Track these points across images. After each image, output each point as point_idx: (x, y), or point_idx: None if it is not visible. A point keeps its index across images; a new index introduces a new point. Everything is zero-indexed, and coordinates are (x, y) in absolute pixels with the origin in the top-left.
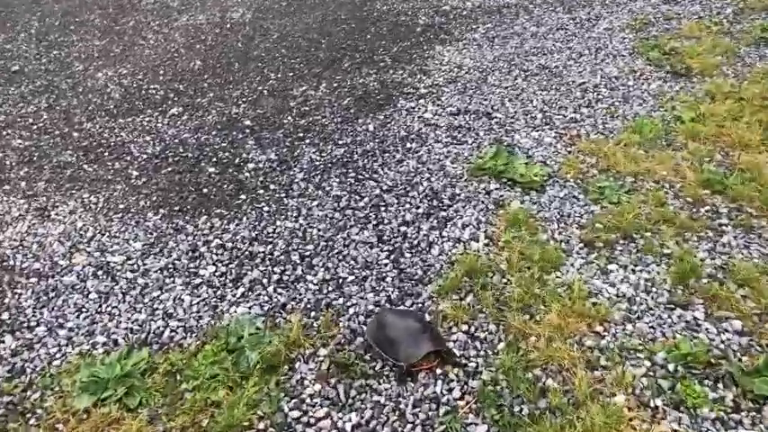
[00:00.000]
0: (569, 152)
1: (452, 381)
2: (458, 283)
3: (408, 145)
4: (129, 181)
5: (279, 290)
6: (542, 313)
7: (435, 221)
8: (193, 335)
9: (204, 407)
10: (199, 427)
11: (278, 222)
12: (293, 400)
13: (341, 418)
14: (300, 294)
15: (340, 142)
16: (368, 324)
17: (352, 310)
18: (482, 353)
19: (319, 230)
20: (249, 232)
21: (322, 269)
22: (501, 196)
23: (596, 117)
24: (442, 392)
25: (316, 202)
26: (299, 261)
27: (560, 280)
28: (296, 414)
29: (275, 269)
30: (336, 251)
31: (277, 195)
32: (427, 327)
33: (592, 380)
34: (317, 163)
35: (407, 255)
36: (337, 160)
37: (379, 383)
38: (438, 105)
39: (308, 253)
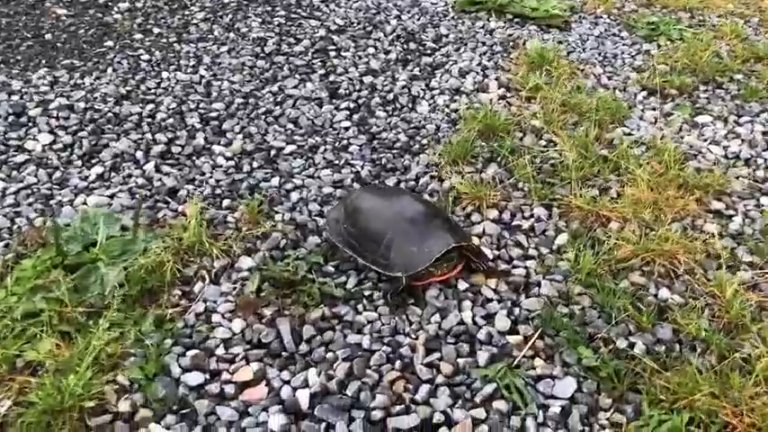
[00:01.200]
0: None
1: (491, 301)
2: (469, 148)
3: None
4: None
5: (165, 168)
6: (619, 186)
7: (417, 69)
8: (1, 243)
9: (11, 373)
10: None
11: (164, 74)
12: (190, 353)
13: (287, 382)
14: (203, 174)
15: None
16: (328, 215)
17: (296, 196)
18: (532, 251)
19: (233, 83)
20: (116, 88)
21: (239, 136)
22: (510, 35)
23: None
24: (474, 321)
25: (226, 47)
26: (199, 125)
27: (632, 138)
28: (196, 379)
29: (158, 137)
30: (263, 110)
31: (164, 41)
32: (436, 211)
33: (740, 286)
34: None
35: (380, 113)
36: None
37: (357, 313)
38: None
39: (214, 114)
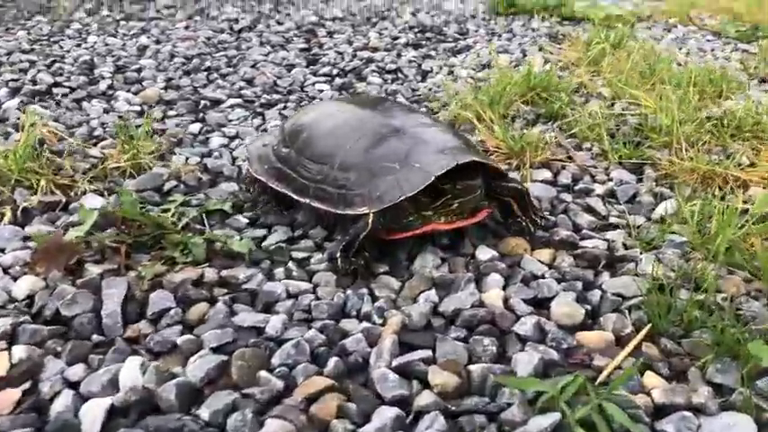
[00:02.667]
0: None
1: (540, 278)
2: (505, 100)
3: None
4: None
5: (32, 107)
6: (750, 152)
7: (433, 51)
8: None
9: None
10: None
11: (91, 39)
12: None
13: (72, 385)
14: (87, 115)
15: None
16: (251, 144)
17: (217, 141)
18: (615, 219)
19: (176, 47)
20: (18, 43)
21: (159, 85)
22: (557, 32)
23: None
24: (509, 306)
25: (183, 24)
26: (108, 74)
27: (738, 106)
28: None
29: (40, 77)
30: (205, 67)
31: (109, 19)
32: (435, 121)
33: None
34: None
35: (374, 80)
36: None
37: (270, 280)
38: None
39: (135, 67)
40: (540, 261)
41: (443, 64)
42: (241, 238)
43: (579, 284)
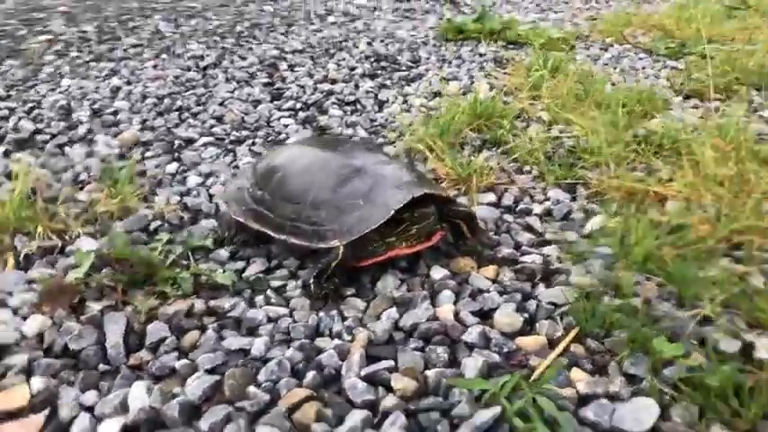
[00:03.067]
0: (593, 20)
1: (485, 292)
2: (453, 129)
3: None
4: None
5: (17, 155)
6: (670, 169)
7: (388, 81)
8: None
9: None
10: None
11: (64, 82)
12: None
13: (88, 409)
14: (71, 161)
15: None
16: (227, 186)
17: (194, 180)
18: (551, 236)
19: (147, 88)
20: None
21: (136, 128)
22: (501, 56)
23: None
24: (459, 318)
25: (151, 63)
26: (86, 118)
27: (675, 126)
28: None
29: (22, 125)
30: (177, 107)
31: (79, 61)
32: (391, 159)
33: None
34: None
35: (335, 112)
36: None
37: (252, 306)
38: None
39: (111, 110)
40: (485, 277)
41: (398, 93)
42: (224, 271)
43: (519, 296)
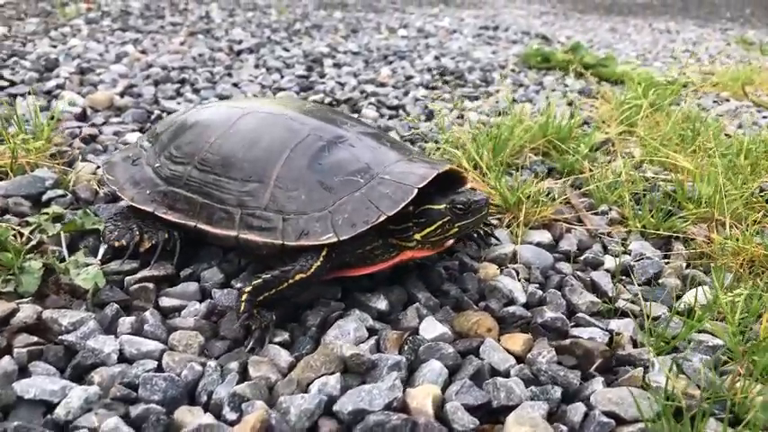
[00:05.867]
0: (707, 74)
1: (516, 373)
2: (506, 147)
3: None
4: None
5: None
6: None
7: (446, 95)
8: None
9: None
10: None
11: (72, 41)
12: None
13: None
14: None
15: None
16: (110, 157)
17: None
18: (623, 302)
19: (160, 57)
20: None
21: (116, 89)
22: (591, 90)
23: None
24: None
25: (179, 39)
26: (66, 76)
27: None
28: None
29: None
30: (178, 80)
31: (107, 28)
32: (384, 134)
33: None
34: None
35: (369, 113)
36: None
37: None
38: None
39: (99, 70)
40: (507, 350)
41: (455, 107)
42: (88, 270)
43: (557, 392)
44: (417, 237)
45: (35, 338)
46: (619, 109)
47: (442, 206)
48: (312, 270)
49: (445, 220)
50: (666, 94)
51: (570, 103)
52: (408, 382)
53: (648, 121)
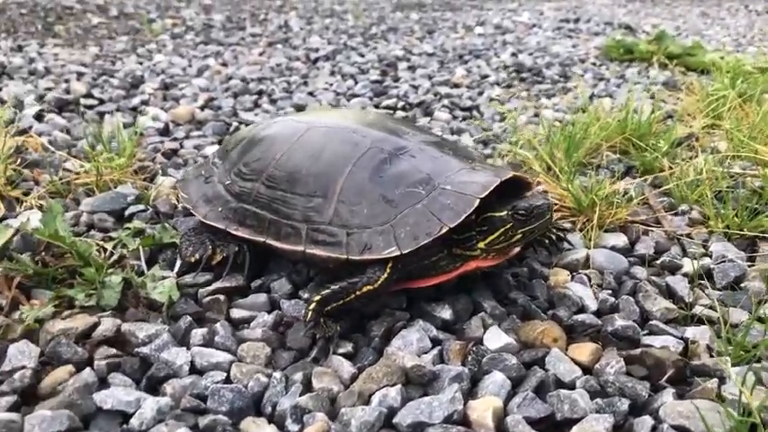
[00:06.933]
0: None
1: (582, 385)
2: (581, 146)
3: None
4: None
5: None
6: None
7: (524, 92)
8: None
9: None
10: None
11: (157, 57)
12: None
13: None
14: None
15: None
16: (184, 176)
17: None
18: (701, 308)
19: (239, 70)
20: (83, 53)
21: (198, 102)
22: (676, 81)
23: None
24: None
25: (258, 49)
26: (152, 91)
27: None
28: None
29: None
30: (256, 91)
31: (190, 42)
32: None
33: None
34: None
35: (441, 115)
36: None
37: (177, 342)
38: None
39: (182, 86)
40: (574, 360)
41: (531, 105)
42: (164, 283)
43: (624, 404)
44: (481, 245)
45: (114, 351)
46: (704, 101)
47: (504, 213)
48: (379, 282)
49: (507, 227)
50: (758, 83)
51: (652, 97)
52: (470, 393)
53: (737, 112)
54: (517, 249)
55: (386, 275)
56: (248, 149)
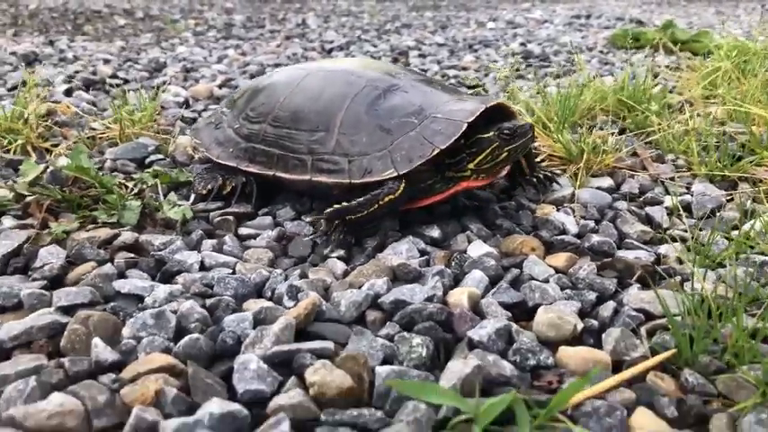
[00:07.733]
0: None
1: (555, 281)
2: (576, 108)
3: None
4: None
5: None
6: None
7: (530, 75)
8: None
9: None
10: None
11: (180, 48)
12: None
13: None
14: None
15: None
16: (198, 123)
17: None
18: (679, 232)
19: (256, 57)
20: (109, 46)
21: (215, 81)
22: (680, 64)
23: None
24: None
25: (276, 42)
26: (174, 71)
27: None
28: None
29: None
30: None
31: (212, 36)
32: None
33: None
34: None
35: None
36: None
37: (192, 249)
38: None
39: (200, 66)
40: (549, 264)
41: (535, 84)
42: (179, 206)
43: (592, 296)
44: (471, 166)
45: (132, 255)
46: (702, 74)
47: (491, 134)
48: (399, 192)
49: (494, 146)
50: (756, 60)
51: (656, 75)
52: (451, 289)
53: (734, 84)
54: (504, 172)
55: (402, 188)
56: (254, 97)
